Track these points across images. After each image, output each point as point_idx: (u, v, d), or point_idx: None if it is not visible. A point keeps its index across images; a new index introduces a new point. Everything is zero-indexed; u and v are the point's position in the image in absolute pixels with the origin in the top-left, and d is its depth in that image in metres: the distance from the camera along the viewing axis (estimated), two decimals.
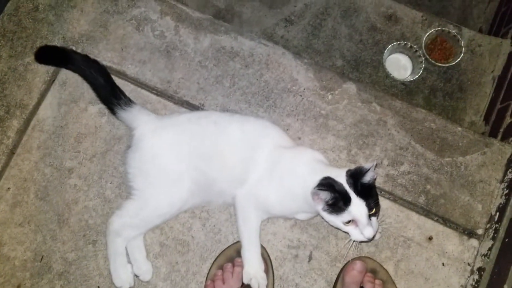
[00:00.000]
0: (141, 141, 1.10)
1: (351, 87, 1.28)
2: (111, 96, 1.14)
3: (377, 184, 1.19)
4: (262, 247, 1.11)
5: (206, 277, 1.11)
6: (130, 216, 1.08)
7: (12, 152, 1.19)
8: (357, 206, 0.95)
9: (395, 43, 1.60)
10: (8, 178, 1.17)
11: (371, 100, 1.27)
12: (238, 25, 1.62)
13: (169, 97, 1.25)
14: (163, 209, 1.08)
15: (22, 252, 1.13)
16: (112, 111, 1.15)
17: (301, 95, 1.26)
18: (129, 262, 1.10)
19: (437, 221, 1.19)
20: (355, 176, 0.97)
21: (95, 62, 1.18)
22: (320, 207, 0.97)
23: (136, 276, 1.10)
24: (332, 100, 1.26)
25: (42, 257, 1.13)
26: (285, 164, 1.05)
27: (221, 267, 1.11)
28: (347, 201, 0.95)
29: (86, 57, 1.18)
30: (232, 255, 1.12)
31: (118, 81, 1.24)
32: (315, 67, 1.29)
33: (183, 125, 1.11)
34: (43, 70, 1.25)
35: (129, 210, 1.08)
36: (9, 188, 1.17)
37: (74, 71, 1.22)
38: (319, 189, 0.94)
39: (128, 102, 1.13)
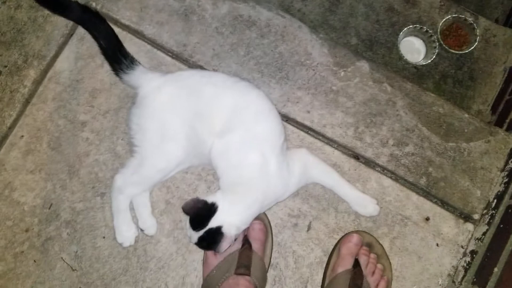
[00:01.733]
0: (144, 98, 1.11)
1: (364, 65, 1.29)
2: (112, 60, 1.14)
3: (380, 163, 1.23)
4: (263, 213, 1.15)
5: None
6: (130, 173, 1.11)
7: (27, 101, 1.22)
8: None
9: (411, 26, 1.60)
10: (22, 126, 1.20)
11: (383, 80, 1.29)
12: None
13: (184, 61, 1.26)
14: (159, 166, 1.10)
15: (32, 199, 1.17)
16: (116, 74, 1.15)
17: (313, 70, 1.27)
18: (136, 218, 1.15)
19: (435, 203, 1.22)
20: None
21: (98, 18, 1.15)
22: None
23: (141, 230, 1.14)
24: (344, 77, 1.28)
25: (51, 205, 1.17)
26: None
27: None
28: None
29: (86, 9, 1.15)
30: None
31: (136, 41, 1.26)
32: (330, 43, 1.30)
33: (184, 81, 1.12)
34: (62, 23, 1.26)
35: (129, 168, 1.11)
36: (22, 136, 1.20)
37: (74, 21, 1.22)
38: None
39: (130, 64, 1.12)
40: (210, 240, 1.01)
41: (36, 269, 1.14)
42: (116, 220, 1.13)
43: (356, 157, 1.23)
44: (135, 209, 1.14)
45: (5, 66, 1.24)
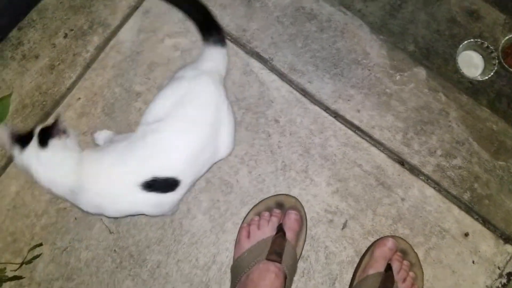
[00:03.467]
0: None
1: (421, 72, 1.27)
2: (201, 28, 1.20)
3: (425, 171, 1.21)
4: (300, 204, 1.15)
5: (243, 220, 1.17)
6: None
7: (88, 66, 1.26)
8: None
9: (471, 39, 1.56)
10: (81, 89, 1.25)
11: (438, 89, 1.27)
12: None
13: (242, 45, 1.28)
14: None
15: None
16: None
17: (369, 70, 1.26)
18: None
19: (476, 219, 1.20)
20: None
21: None
22: None
23: None
24: (400, 81, 1.26)
25: None
26: None
27: (259, 214, 1.16)
28: None
29: None
30: (271, 205, 1.17)
31: None
32: (389, 45, 1.29)
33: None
34: None
35: None
36: (79, 98, 1.24)
37: None
38: None
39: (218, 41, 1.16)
40: None
41: (76, 226, 1.18)
42: None
43: (402, 162, 1.22)
44: None
45: (71, 30, 1.28)
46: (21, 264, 1.13)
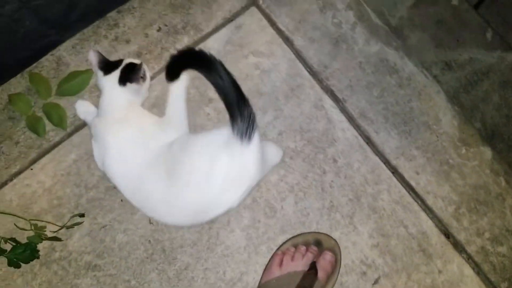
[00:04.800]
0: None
1: (487, 152, 1.27)
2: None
3: (469, 250, 1.19)
4: (339, 248, 1.15)
5: (279, 247, 1.17)
6: None
7: None
8: None
9: None
10: (159, 82, 1.29)
11: (501, 173, 1.26)
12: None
13: (319, 80, 1.31)
14: None
15: None
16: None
17: (437, 136, 1.27)
18: None
19: None
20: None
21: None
22: None
23: None
24: (464, 155, 1.26)
25: None
26: None
27: (296, 246, 1.16)
28: None
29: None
30: (310, 241, 1.17)
31: (283, 46, 1.33)
32: (462, 118, 1.30)
33: None
34: (227, 8, 1.36)
35: None
36: (155, 91, 1.29)
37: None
38: None
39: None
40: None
41: (120, 207, 1.21)
42: None
43: (448, 235, 1.21)
44: None
45: (166, 25, 1.35)
46: (61, 227, 1.17)
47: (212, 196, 1.01)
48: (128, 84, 1.13)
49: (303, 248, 1.15)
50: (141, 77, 1.15)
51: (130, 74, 1.13)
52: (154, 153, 1.09)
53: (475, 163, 1.26)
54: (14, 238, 1.12)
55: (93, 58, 1.17)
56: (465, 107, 1.63)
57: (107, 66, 1.16)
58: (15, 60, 1.26)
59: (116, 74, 1.14)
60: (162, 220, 1.14)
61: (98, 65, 1.16)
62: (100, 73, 1.16)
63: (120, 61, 1.18)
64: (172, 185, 1.03)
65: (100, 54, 1.17)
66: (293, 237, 1.18)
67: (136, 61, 1.17)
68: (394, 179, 1.23)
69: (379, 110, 1.28)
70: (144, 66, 1.18)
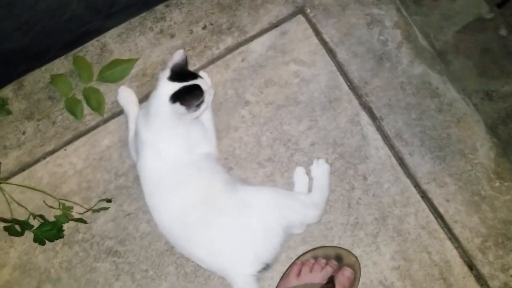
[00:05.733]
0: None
1: None
2: None
3: (491, 285, 1.16)
4: (359, 266, 1.14)
5: (298, 257, 1.17)
6: None
7: (213, 61, 1.33)
8: None
9: None
10: None
11: None
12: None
13: (358, 96, 1.30)
14: None
15: None
16: None
17: (472, 166, 1.25)
18: None
19: None
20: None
21: None
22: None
23: None
24: (497, 189, 1.24)
25: None
26: None
27: (315, 258, 1.15)
28: None
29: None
30: (330, 255, 1.16)
31: (326, 58, 1.33)
32: (499, 150, 1.27)
33: None
34: (274, 13, 1.36)
35: None
36: None
37: None
38: None
39: None
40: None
41: None
42: None
43: (471, 267, 1.18)
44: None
45: (211, 24, 1.36)
46: (88, 210, 1.19)
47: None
48: (177, 104, 1.04)
49: (323, 261, 1.14)
50: (197, 105, 1.07)
51: (187, 96, 1.04)
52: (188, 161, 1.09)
53: (507, 197, 1.23)
54: (43, 215, 1.14)
55: (176, 57, 1.07)
56: (503, 140, 1.59)
57: (178, 73, 1.07)
58: (59, 41, 1.29)
59: (175, 86, 1.05)
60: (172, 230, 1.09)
61: (172, 66, 1.07)
62: (166, 73, 1.07)
63: (195, 76, 1.09)
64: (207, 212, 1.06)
65: (185, 58, 1.08)
66: (314, 248, 1.17)
67: (206, 86, 1.08)
68: (423, 204, 1.21)
69: (416, 132, 1.27)
70: (207, 96, 1.08)
